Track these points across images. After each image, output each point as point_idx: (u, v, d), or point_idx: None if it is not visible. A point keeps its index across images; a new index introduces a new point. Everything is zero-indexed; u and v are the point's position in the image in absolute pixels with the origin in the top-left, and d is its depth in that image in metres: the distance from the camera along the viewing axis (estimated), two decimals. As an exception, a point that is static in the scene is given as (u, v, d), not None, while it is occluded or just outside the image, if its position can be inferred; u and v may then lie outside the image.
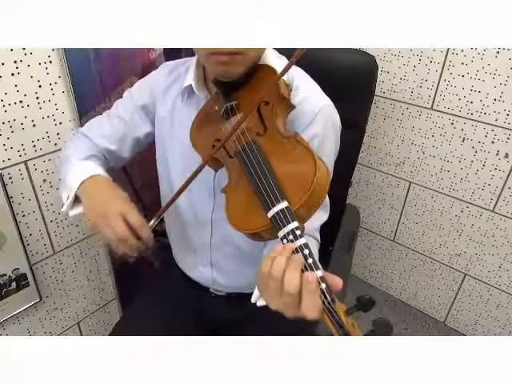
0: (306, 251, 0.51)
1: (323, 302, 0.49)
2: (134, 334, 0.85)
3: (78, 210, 0.75)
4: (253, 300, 0.61)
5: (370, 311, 0.49)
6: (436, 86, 1.34)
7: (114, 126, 0.86)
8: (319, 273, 0.51)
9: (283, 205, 0.53)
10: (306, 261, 0.51)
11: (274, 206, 0.54)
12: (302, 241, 0.52)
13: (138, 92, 0.87)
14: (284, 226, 0.53)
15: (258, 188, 0.57)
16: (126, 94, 0.88)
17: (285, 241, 0.53)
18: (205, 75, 0.79)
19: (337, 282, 0.51)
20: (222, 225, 0.61)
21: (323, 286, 0.50)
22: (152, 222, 0.69)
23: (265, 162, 0.59)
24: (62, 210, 0.76)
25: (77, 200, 0.75)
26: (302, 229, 0.53)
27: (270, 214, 0.54)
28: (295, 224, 0.52)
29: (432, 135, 1.42)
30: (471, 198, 1.42)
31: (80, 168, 0.76)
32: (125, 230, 0.66)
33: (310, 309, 0.49)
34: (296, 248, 0.52)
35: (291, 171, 0.58)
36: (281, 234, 0.53)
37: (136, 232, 0.67)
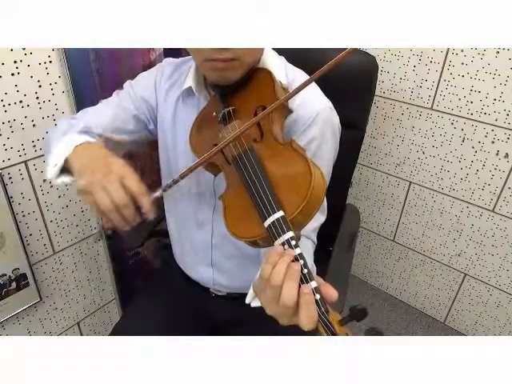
0: (301, 262, 0.52)
1: (317, 312, 0.50)
2: (134, 334, 0.85)
3: (66, 178, 0.69)
4: (247, 301, 0.60)
5: (364, 319, 0.49)
6: (436, 86, 1.34)
7: (112, 113, 0.81)
8: (313, 283, 0.51)
9: (279, 214, 0.54)
10: (301, 271, 0.51)
11: (269, 215, 0.54)
12: (297, 251, 0.52)
13: (139, 84, 0.85)
14: (280, 235, 0.53)
15: (253, 197, 0.57)
16: (126, 84, 0.86)
17: None
18: (205, 77, 0.79)
19: (331, 293, 0.51)
20: (222, 225, 0.61)
21: (317, 296, 0.50)
22: (157, 193, 0.60)
23: (261, 170, 0.59)
24: (48, 176, 0.68)
25: (65, 170, 0.69)
26: (298, 237, 0.54)
27: (266, 223, 0.54)
28: (290, 234, 0.53)
29: (432, 135, 1.42)
30: (471, 198, 1.42)
31: (71, 138, 0.70)
32: (123, 195, 0.57)
33: (306, 320, 0.49)
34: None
35: (287, 180, 0.58)
36: (277, 243, 0.53)
37: (135, 200, 0.58)
